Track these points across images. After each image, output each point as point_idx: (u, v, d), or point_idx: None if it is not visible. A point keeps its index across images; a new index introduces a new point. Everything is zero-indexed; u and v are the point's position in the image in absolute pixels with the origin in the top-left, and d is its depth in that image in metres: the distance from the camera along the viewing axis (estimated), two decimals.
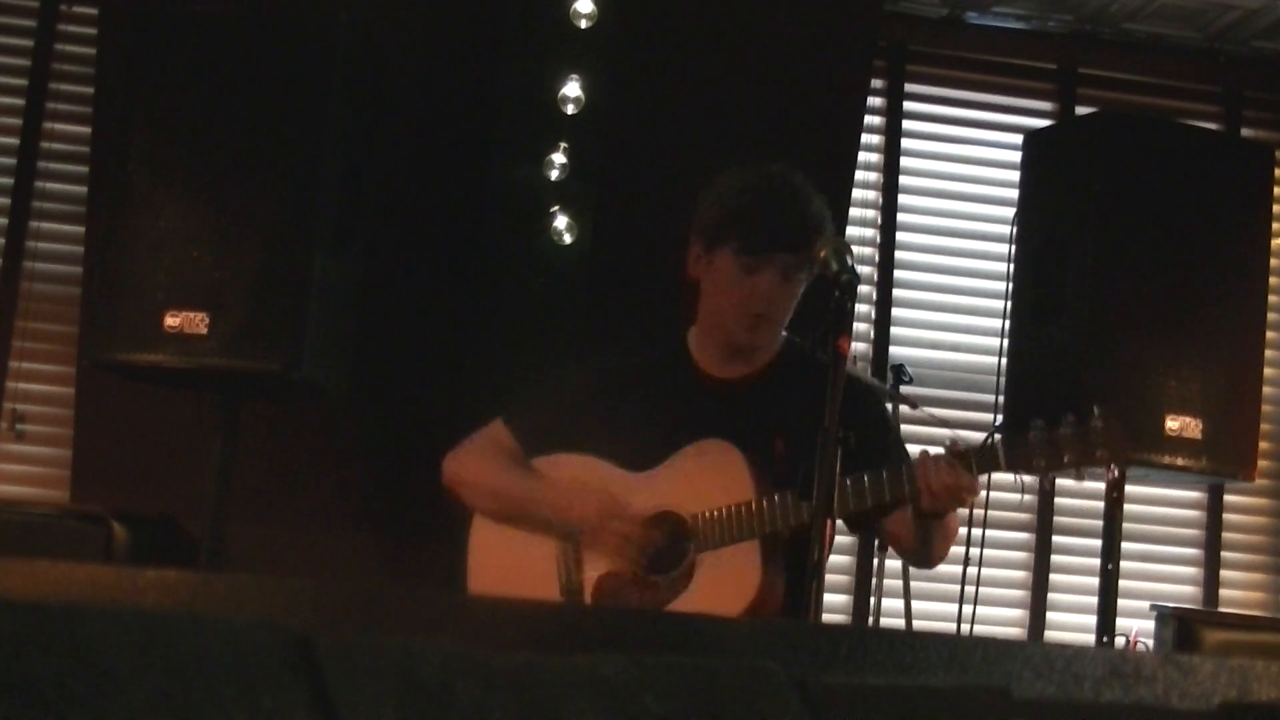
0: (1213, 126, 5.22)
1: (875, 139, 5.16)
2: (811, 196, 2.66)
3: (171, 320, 3.63)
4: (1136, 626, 4.30)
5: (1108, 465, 2.48)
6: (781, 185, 2.66)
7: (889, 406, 2.92)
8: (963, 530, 4.07)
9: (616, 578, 2.67)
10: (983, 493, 4.08)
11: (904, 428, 4.31)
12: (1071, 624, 5.00)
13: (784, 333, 2.75)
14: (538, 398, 2.87)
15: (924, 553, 2.72)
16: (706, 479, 2.62)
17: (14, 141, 4.74)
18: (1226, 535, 5.16)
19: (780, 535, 2.56)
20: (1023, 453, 2.47)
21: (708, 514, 2.60)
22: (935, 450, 2.54)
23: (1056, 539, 5.07)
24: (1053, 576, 5.06)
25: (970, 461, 2.48)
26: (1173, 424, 3.84)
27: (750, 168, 2.72)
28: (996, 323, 4.36)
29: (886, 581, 4.35)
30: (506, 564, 2.76)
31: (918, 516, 2.56)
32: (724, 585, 2.56)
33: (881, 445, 2.69)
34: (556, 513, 2.70)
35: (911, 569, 4.31)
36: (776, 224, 2.62)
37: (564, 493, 2.71)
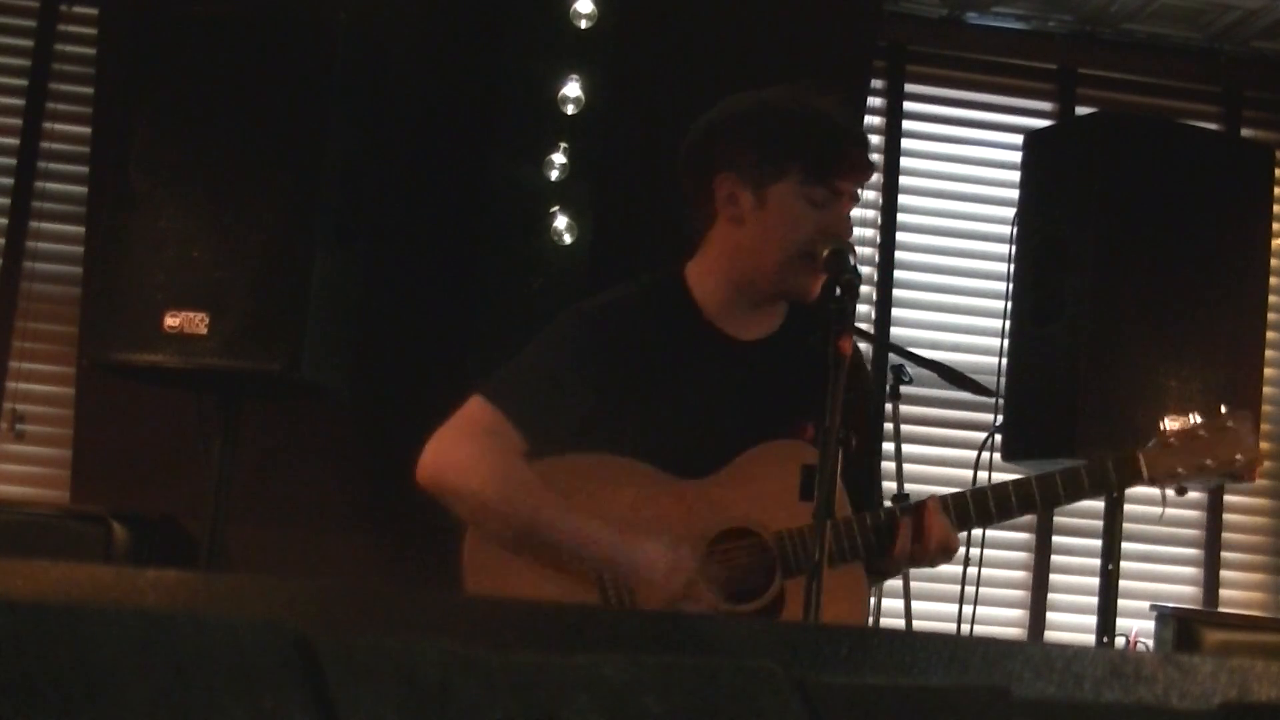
0: (1213, 126, 5.22)
1: (875, 139, 5.16)
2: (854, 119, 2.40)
3: (171, 320, 3.63)
4: (1136, 626, 4.30)
5: (1243, 472, 2.32)
6: (836, 106, 2.38)
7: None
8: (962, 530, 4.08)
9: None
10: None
11: (905, 428, 4.32)
12: (1071, 624, 5.00)
13: None
14: (523, 365, 2.38)
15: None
16: (783, 489, 2.22)
17: (14, 141, 4.74)
18: (1226, 535, 5.16)
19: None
20: (1165, 461, 2.31)
21: (795, 532, 2.26)
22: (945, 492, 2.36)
23: (1056, 539, 5.07)
24: (1053, 576, 5.05)
25: (1111, 476, 2.30)
26: (1173, 424, 3.83)
27: (769, 90, 2.42)
28: (996, 323, 4.36)
29: (886, 581, 4.35)
30: (524, 579, 2.29)
31: (873, 570, 2.36)
32: (830, 618, 2.09)
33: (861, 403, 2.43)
34: (599, 555, 2.22)
35: (912, 569, 4.30)
36: (844, 149, 2.34)
37: (612, 536, 2.22)
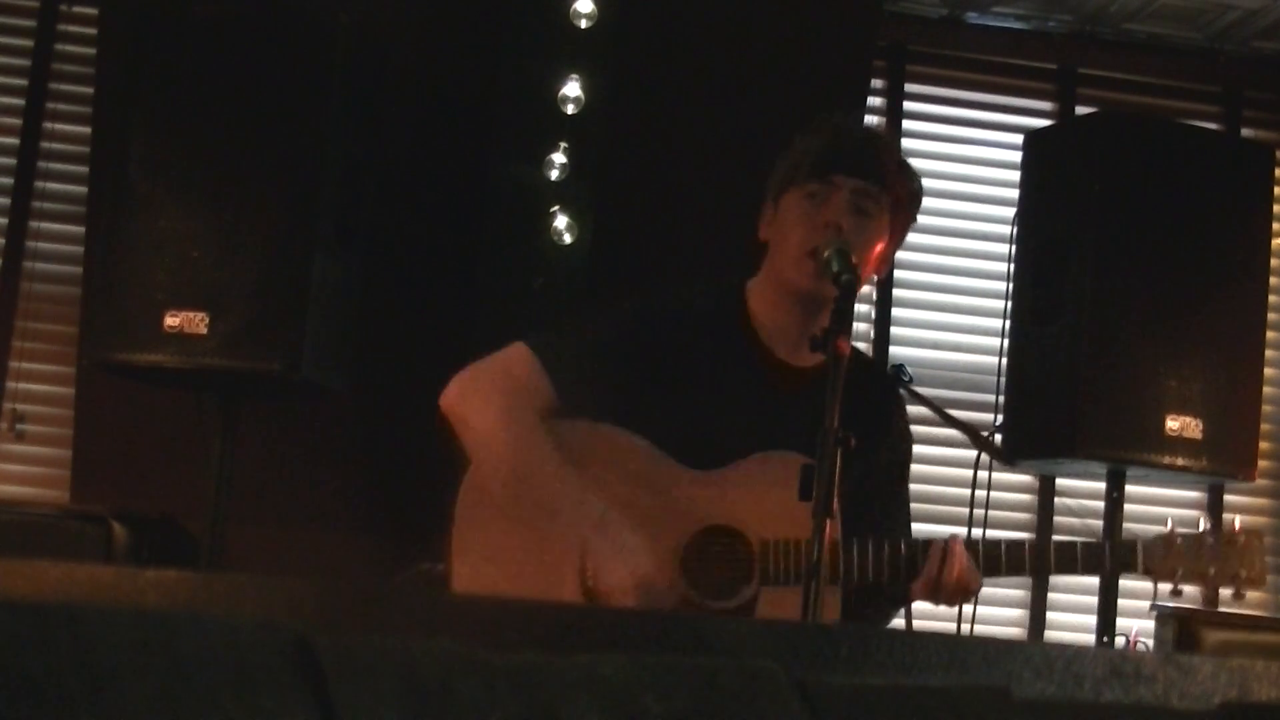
0: (1213, 126, 5.22)
1: None
2: (893, 141, 2.51)
3: (171, 320, 3.63)
4: (1136, 626, 4.30)
5: (1244, 589, 2.31)
6: (853, 121, 2.51)
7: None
8: (963, 530, 4.08)
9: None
10: (981, 491, 4.08)
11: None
12: (1071, 624, 4.99)
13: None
14: (573, 332, 2.44)
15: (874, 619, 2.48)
16: (780, 499, 2.22)
17: (14, 141, 4.74)
18: None
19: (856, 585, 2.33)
20: (1166, 557, 2.32)
21: (780, 543, 2.29)
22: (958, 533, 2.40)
23: (1057, 539, 5.06)
24: (1053, 577, 5.05)
25: (1104, 558, 2.33)
26: (1173, 424, 3.84)
27: (826, 116, 2.52)
28: (996, 323, 4.36)
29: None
30: (509, 568, 2.33)
31: (888, 599, 2.41)
32: None
33: (891, 469, 2.52)
34: (596, 544, 2.23)
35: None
36: (842, 147, 2.42)
37: (618, 533, 2.24)
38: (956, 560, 2.32)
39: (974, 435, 2.37)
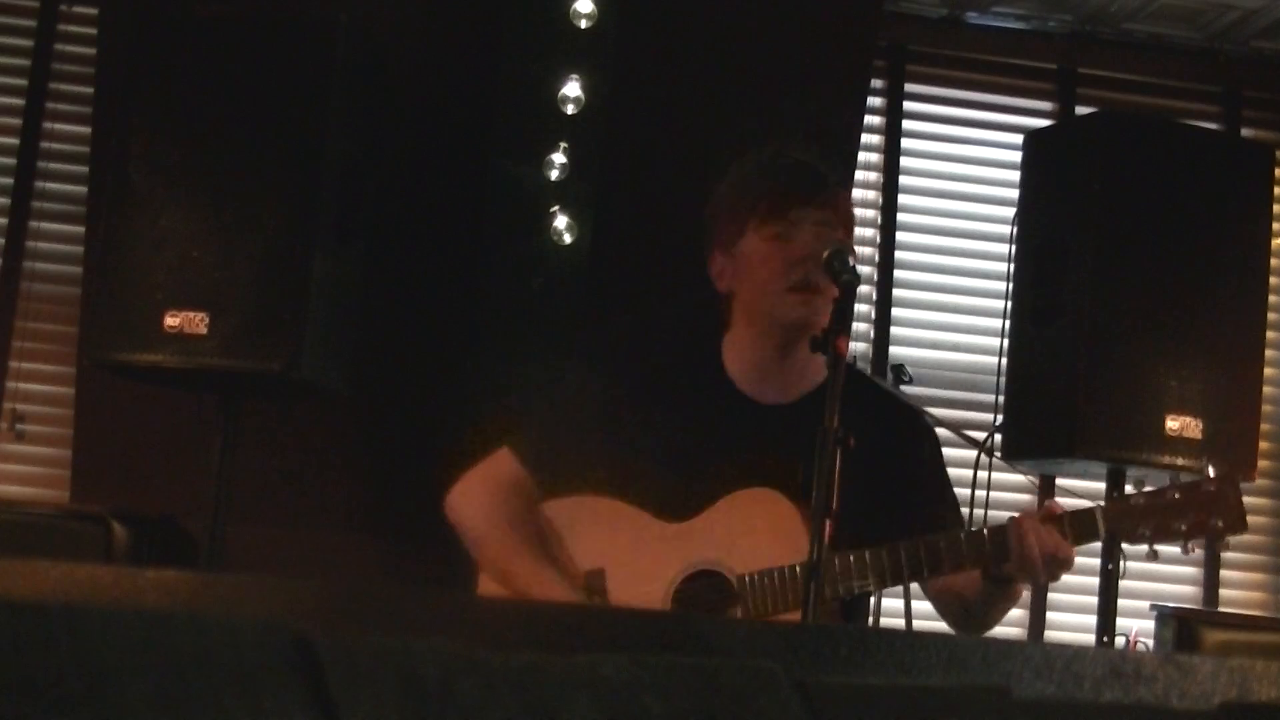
0: (1213, 126, 5.22)
1: (875, 139, 5.16)
2: (818, 159, 2.50)
3: (171, 320, 3.63)
4: (1136, 626, 4.30)
5: (1224, 535, 2.29)
6: (781, 153, 2.52)
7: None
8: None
9: None
10: (981, 491, 4.09)
11: None
12: (1071, 624, 4.99)
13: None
14: (544, 416, 2.61)
15: (980, 619, 2.49)
16: (754, 533, 2.35)
17: (14, 141, 4.74)
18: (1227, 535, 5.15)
19: (840, 600, 2.36)
20: (1126, 520, 2.29)
21: (757, 576, 2.35)
22: (1029, 511, 2.37)
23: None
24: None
25: (1065, 527, 2.28)
26: (1173, 424, 3.83)
27: (744, 158, 2.56)
28: (996, 323, 4.36)
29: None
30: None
31: (993, 580, 2.37)
32: None
33: (918, 490, 2.51)
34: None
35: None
36: (795, 181, 2.46)
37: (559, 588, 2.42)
38: (1029, 531, 2.28)
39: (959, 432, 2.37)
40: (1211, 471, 2.31)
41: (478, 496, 2.56)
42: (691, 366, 2.56)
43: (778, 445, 2.39)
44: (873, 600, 4.61)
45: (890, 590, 4.30)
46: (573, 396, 2.59)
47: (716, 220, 2.56)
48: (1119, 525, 2.30)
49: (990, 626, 2.55)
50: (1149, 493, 2.30)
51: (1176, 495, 2.29)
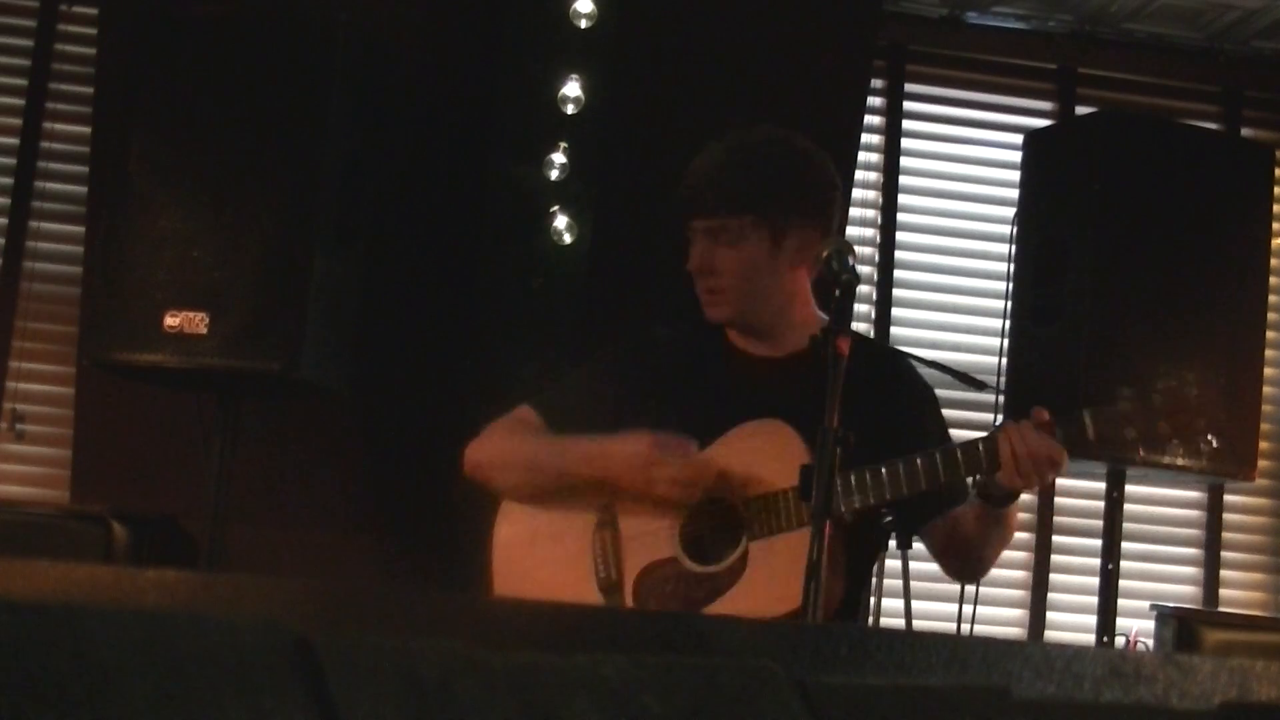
0: (1213, 126, 5.22)
1: (875, 139, 5.16)
2: (775, 157, 2.55)
3: (171, 320, 3.63)
4: (1136, 626, 4.30)
5: (1205, 434, 2.37)
6: (732, 149, 2.57)
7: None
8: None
9: (661, 569, 2.48)
10: None
11: None
12: (1071, 624, 4.99)
13: (822, 315, 2.56)
14: (564, 383, 2.71)
15: (980, 554, 2.56)
16: (760, 461, 2.44)
17: (14, 141, 4.74)
18: (1226, 535, 5.16)
19: (840, 527, 2.38)
20: (1113, 423, 2.35)
21: (760, 498, 2.44)
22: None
23: (1056, 539, 5.07)
24: (1053, 576, 5.05)
25: (1055, 431, 2.35)
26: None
27: (730, 129, 2.63)
28: (996, 323, 4.36)
29: (886, 581, 4.35)
30: (535, 563, 2.57)
31: (986, 501, 2.44)
32: (778, 580, 2.36)
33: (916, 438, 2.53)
34: (598, 463, 2.49)
35: (910, 567, 4.29)
36: (686, 190, 2.55)
37: (604, 441, 2.50)
38: (1019, 433, 2.34)
39: (969, 380, 2.44)
40: (1159, 385, 2.39)
41: (500, 435, 2.63)
42: (697, 336, 2.66)
43: (780, 384, 2.53)
44: (873, 600, 4.64)
45: (890, 590, 4.32)
46: (597, 373, 2.68)
47: None
48: (1106, 428, 2.36)
49: (989, 563, 2.62)
50: (1134, 398, 2.36)
51: (1160, 400, 2.35)
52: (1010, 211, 4.26)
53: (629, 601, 2.49)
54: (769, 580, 2.41)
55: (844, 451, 2.09)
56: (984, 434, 2.44)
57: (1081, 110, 5.17)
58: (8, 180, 4.73)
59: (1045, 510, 5.08)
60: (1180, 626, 4.02)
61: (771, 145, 2.60)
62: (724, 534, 2.48)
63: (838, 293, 2.27)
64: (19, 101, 4.75)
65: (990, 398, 4.22)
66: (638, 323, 2.79)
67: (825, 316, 2.53)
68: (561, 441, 2.58)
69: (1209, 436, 2.42)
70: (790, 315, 2.62)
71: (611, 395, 2.62)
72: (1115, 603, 4.03)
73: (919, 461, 2.39)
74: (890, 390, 2.63)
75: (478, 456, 2.64)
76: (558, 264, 4.30)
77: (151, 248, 3.68)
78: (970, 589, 4.12)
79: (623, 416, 2.57)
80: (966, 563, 2.65)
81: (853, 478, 2.37)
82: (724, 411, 2.54)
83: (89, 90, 4.68)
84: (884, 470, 2.39)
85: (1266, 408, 4.32)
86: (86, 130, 4.66)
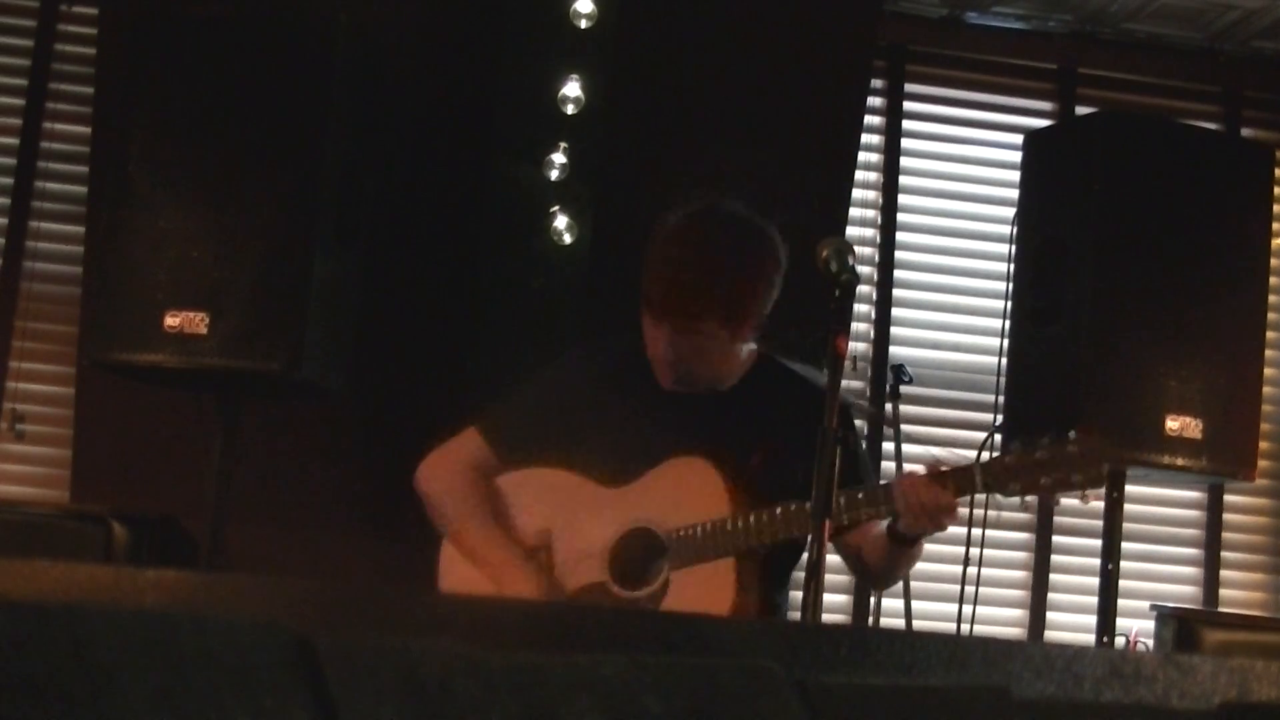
0: (1213, 126, 5.22)
1: (875, 139, 5.16)
2: (737, 266, 2.61)
3: (171, 320, 3.63)
4: (1136, 626, 4.30)
5: (1084, 489, 2.50)
6: (700, 249, 2.64)
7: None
8: (962, 530, 4.08)
9: (590, 593, 2.66)
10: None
11: (905, 428, 4.31)
12: (1071, 624, 4.99)
13: (752, 346, 2.70)
14: (510, 403, 2.86)
15: (887, 575, 2.74)
16: (682, 496, 2.62)
17: (14, 141, 4.74)
18: (1226, 535, 5.16)
19: (755, 551, 2.56)
20: (998, 476, 2.47)
21: (682, 531, 2.60)
22: (917, 468, 2.52)
23: (1056, 539, 5.07)
24: (1053, 576, 5.05)
25: (948, 482, 2.46)
26: (1173, 424, 3.84)
27: (690, 216, 2.71)
28: (996, 323, 4.36)
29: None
30: (474, 580, 2.75)
31: (892, 538, 2.56)
32: (698, 602, 2.55)
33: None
34: (487, 571, 2.72)
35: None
36: (661, 293, 2.62)
37: (499, 565, 2.71)
38: (913, 484, 2.47)
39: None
40: (1072, 434, 2.47)
41: (443, 471, 2.83)
42: (631, 371, 2.77)
43: (702, 418, 2.67)
44: (873, 600, 4.64)
45: (890, 590, 4.32)
46: (538, 392, 2.84)
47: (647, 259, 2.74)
48: (993, 479, 2.46)
49: (894, 581, 2.88)
50: (1019, 451, 2.48)
51: (1043, 454, 2.46)
52: (1010, 212, 4.26)
53: None
54: (688, 602, 2.56)
55: (844, 452, 2.14)
56: (882, 484, 2.56)
57: (1081, 110, 5.17)
58: (8, 180, 4.73)
59: (1045, 510, 5.08)
60: (1180, 627, 4.02)
61: (734, 243, 2.65)
62: (649, 561, 2.64)
63: (837, 293, 2.29)
64: (19, 101, 4.75)
65: (990, 398, 4.22)
66: (599, 333, 2.92)
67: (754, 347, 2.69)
68: (480, 531, 2.77)
69: (1086, 493, 2.54)
70: (732, 370, 2.71)
71: (556, 412, 2.77)
72: (1115, 603, 4.03)
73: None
74: (785, 408, 2.70)
75: (421, 486, 2.85)
76: (558, 264, 4.30)
77: (151, 248, 3.68)
78: (970, 589, 4.12)
79: (564, 447, 2.74)
80: (872, 577, 2.83)
81: (765, 516, 2.53)
82: (650, 440, 2.68)
83: (89, 90, 4.68)
84: (778, 511, 2.52)
85: (1266, 408, 4.32)
86: (86, 130, 4.66)
